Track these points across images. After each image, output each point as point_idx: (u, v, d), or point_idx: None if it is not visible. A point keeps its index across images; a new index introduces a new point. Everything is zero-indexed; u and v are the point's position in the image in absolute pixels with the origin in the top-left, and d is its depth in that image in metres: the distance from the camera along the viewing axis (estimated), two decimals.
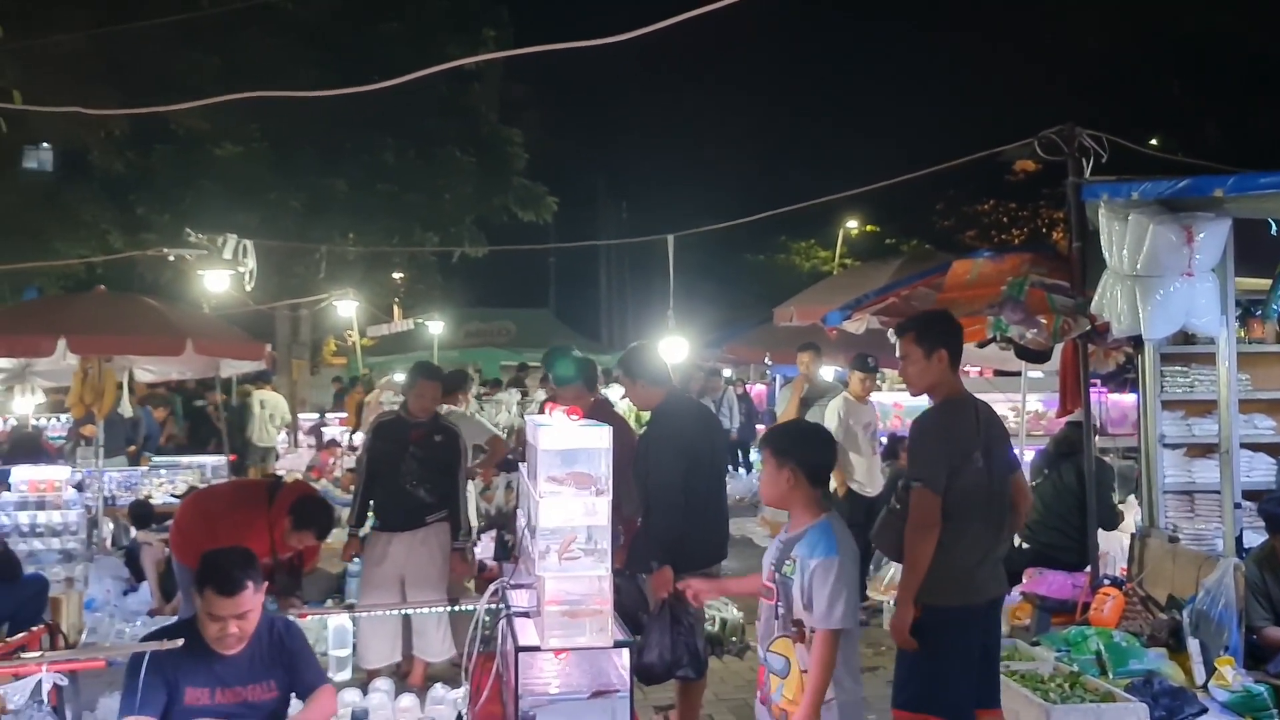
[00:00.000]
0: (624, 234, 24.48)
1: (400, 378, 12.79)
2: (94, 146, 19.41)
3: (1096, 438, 6.24)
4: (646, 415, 5.74)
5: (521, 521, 3.86)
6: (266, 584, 3.70)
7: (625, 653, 3.13)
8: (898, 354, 4.23)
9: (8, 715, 3.91)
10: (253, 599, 3.51)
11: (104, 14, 18.02)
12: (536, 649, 3.06)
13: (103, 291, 8.96)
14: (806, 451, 3.41)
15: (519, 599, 3.59)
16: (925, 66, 36.06)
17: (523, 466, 4.10)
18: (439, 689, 5.21)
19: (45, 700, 3.23)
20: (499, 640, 3.56)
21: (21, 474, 8.17)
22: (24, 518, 7.47)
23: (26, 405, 10.28)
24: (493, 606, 3.75)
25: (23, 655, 3.71)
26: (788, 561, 3.26)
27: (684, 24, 4.16)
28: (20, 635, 4.33)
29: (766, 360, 13.23)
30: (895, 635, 3.89)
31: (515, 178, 18.29)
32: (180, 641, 3.33)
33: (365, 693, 5.17)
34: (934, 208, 36.82)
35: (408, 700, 5.11)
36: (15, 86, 13.16)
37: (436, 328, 17.22)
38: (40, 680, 3.20)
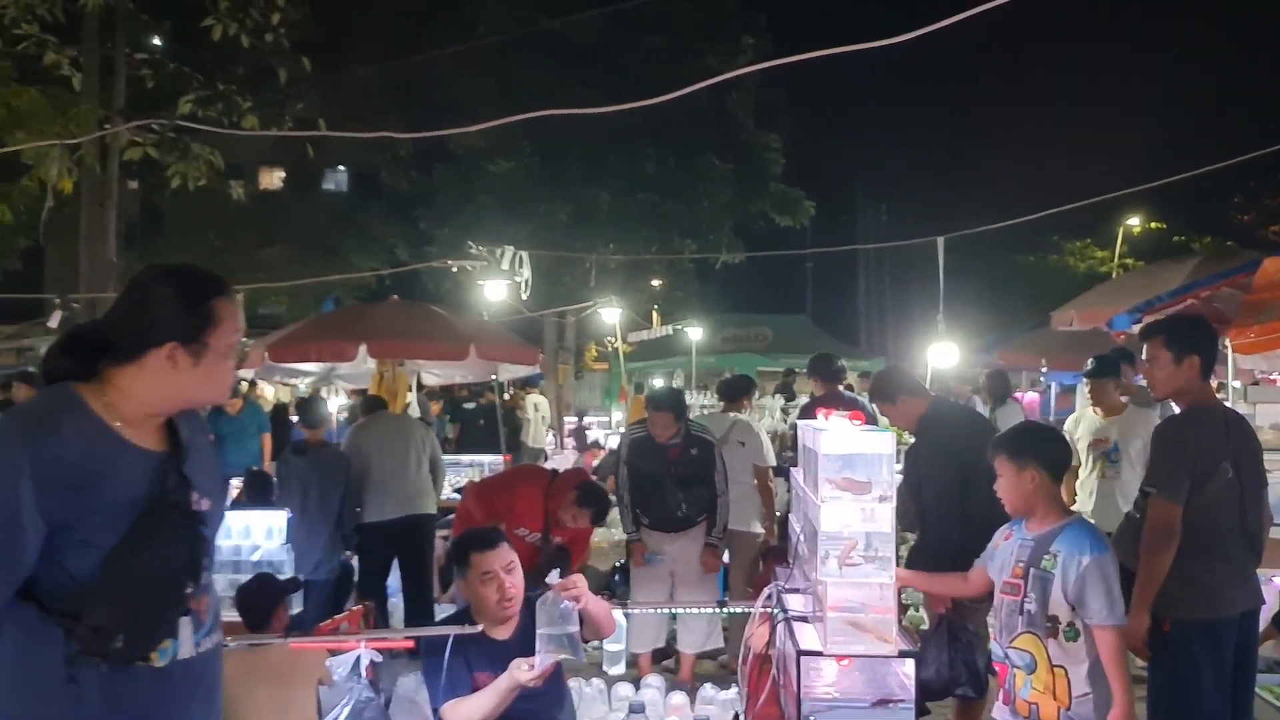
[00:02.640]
0: (883, 237, 23.91)
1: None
2: (383, 167, 21.14)
3: None
4: None
5: (796, 526, 3.86)
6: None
7: (909, 663, 3.07)
8: (1144, 356, 4.09)
9: (330, 686, 4.30)
10: (511, 552, 3.62)
11: (391, 45, 19.60)
12: (819, 654, 3.05)
13: (396, 301, 9.67)
14: (1045, 449, 3.48)
15: (793, 603, 3.59)
16: (1220, 42, 33.07)
17: (794, 471, 4.10)
18: (709, 689, 5.29)
19: (363, 675, 3.52)
20: (776, 643, 3.57)
21: None
22: None
23: (331, 405, 11.28)
24: (768, 609, 3.77)
25: (343, 633, 4.07)
26: (1046, 557, 3.29)
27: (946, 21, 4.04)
28: (341, 614, 4.76)
29: (1042, 367, 12.55)
30: (1129, 644, 3.74)
31: (772, 183, 18.32)
32: (480, 627, 3.54)
33: (638, 689, 5.33)
34: (1231, 201, 33.63)
35: (678, 698, 5.22)
36: (319, 115, 14.56)
37: (695, 333, 17.47)
38: (359, 656, 3.49)
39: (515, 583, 3.61)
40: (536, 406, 15.09)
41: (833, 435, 3.11)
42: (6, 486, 1.84)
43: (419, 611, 6.66)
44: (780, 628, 3.48)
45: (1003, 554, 3.52)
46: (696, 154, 17.64)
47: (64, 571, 1.91)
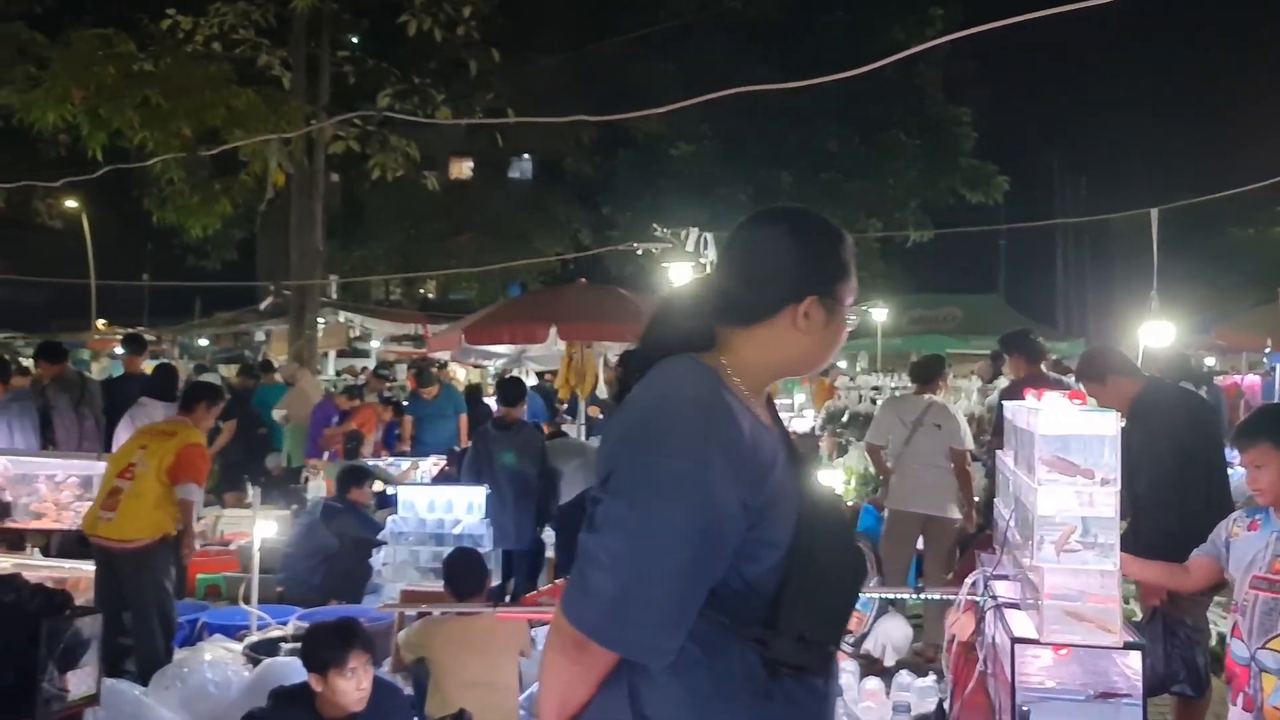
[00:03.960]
0: (1083, 211, 22.68)
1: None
2: (567, 154, 21.63)
3: None
4: None
5: (1004, 510, 3.70)
6: None
7: (1135, 655, 2.90)
8: None
9: (530, 658, 4.44)
10: None
11: (574, 34, 20.00)
12: (1035, 642, 2.92)
13: (584, 284, 9.86)
14: None
15: (1001, 590, 3.45)
16: None
17: (1000, 454, 3.93)
18: (904, 675, 5.16)
19: None
20: (985, 631, 3.44)
21: None
22: None
23: None
24: (975, 598, 3.64)
25: (549, 606, 4.17)
26: None
27: None
28: (547, 587, 4.90)
29: (1266, 347, 11.64)
30: None
31: (963, 158, 17.71)
32: None
33: None
34: None
35: (873, 683, 5.13)
36: (507, 105, 15.02)
37: (880, 314, 17.05)
38: None
39: None
40: None
41: (1050, 415, 2.96)
42: (701, 483, 1.56)
43: None
44: (990, 615, 3.35)
45: (1248, 546, 3.24)
46: (881, 130, 17.25)
47: (737, 575, 1.64)
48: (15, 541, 6.81)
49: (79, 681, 3.87)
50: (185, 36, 12.46)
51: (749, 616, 1.64)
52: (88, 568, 6.24)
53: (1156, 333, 8.44)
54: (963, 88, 19.33)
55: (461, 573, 4.62)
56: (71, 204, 21.35)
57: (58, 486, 6.68)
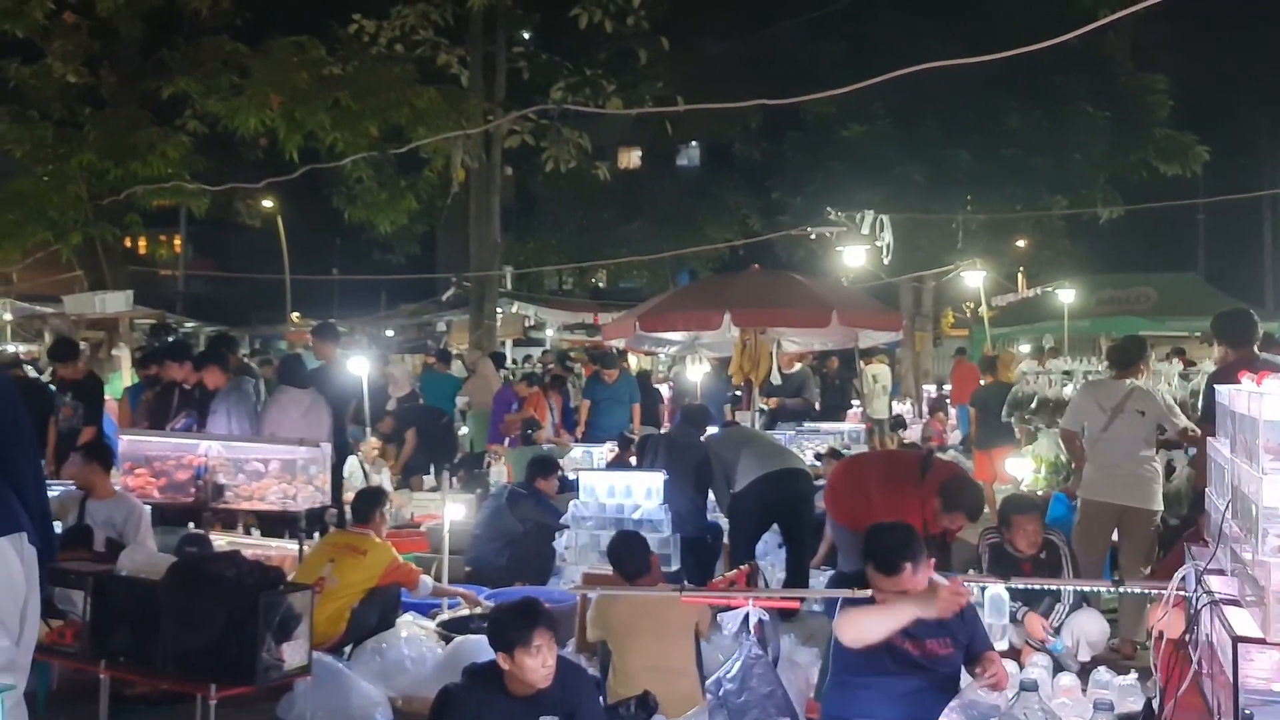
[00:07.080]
0: None
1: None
2: (735, 140, 21.54)
3: None
4: None
5: (1218, 501, 3.48)
6: (932, 560, 3.74)
7: None
8: None
9: (708, 640, 4.46)
10: (910, 579, 3.59)
11: (742, 18, 19.85)
12: (1260, 642, 2.73)
13: (757, 269, 9.77)
14: None
15: (1215, 585, 3.25)
16: None
17: (1212, 441, 3.69)
18: (1103, 672, 4.96)
19: (750, 631, 3.61)
20: (1201, 629, 3.25)
21: None
22: None
23: (696, 373, 11.68)
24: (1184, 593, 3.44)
25: (733, 591, 4.19)
26: None
27: None
28: (731, 573, 4.92)
29: None
30: None
31: (1156, 129, 16.65)
32: (869, 592, 3.51)
33: (1021, 667, 5.08)
34: None
35: (1067, 680, 4.94)
36: (676, 93, 15.08)
37: (1066, 296, 16.30)
38: (748, 613, 3.58)
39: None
40: (875, 377, 14.66)
41: (1277, 400, 2.75)
42: None
43: (797, 574, 6.71)
44: (1206, 612, 3.16)
45: None
46: (1066, 103, 16.39)
47: None
48: (228, 521, 7.30)
49: (293, 652, 4.12)
50: (370, 40, 13.05)
51: None
52: (291, 546, 6.65)
53: None
54: (1154, 53, 18.13)
55: (624, 555, 4.68)
56: (267, 203, 22.69)
57: (262, 470, 7.07)
